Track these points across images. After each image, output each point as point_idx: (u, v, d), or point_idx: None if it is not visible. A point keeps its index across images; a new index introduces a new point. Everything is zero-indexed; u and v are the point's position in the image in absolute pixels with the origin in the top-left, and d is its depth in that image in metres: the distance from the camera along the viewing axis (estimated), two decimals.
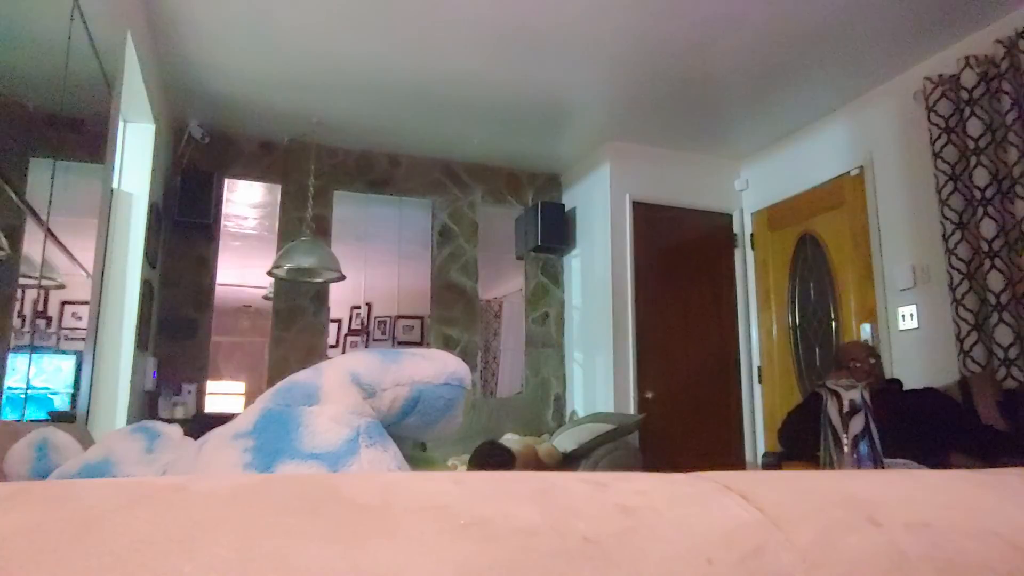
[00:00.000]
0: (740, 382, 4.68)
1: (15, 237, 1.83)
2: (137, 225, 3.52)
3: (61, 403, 2.43)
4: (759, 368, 4.63)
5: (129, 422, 3.29)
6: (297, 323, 4.52)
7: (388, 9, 3.13)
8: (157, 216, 3.83)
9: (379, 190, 4.84)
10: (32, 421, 2.05)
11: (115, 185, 3.38)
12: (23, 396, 2.03)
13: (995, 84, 3.06)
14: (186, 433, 1.00)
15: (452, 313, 4.87)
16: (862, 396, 1.52)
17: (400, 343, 4.93)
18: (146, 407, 3.94)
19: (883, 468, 1.63)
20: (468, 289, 4.94)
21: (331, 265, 4.02)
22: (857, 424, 1.50)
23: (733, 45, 3.42)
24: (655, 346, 4.51)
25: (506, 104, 4.09)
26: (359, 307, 4.97)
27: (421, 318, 4.93)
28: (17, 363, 1.97)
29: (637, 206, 4.62)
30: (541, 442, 3.80)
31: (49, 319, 2.29)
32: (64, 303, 2.38)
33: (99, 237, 2.65)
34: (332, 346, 4.72)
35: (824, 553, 0.38)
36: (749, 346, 4.70)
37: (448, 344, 4.79)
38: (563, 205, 5.05)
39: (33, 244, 1.95)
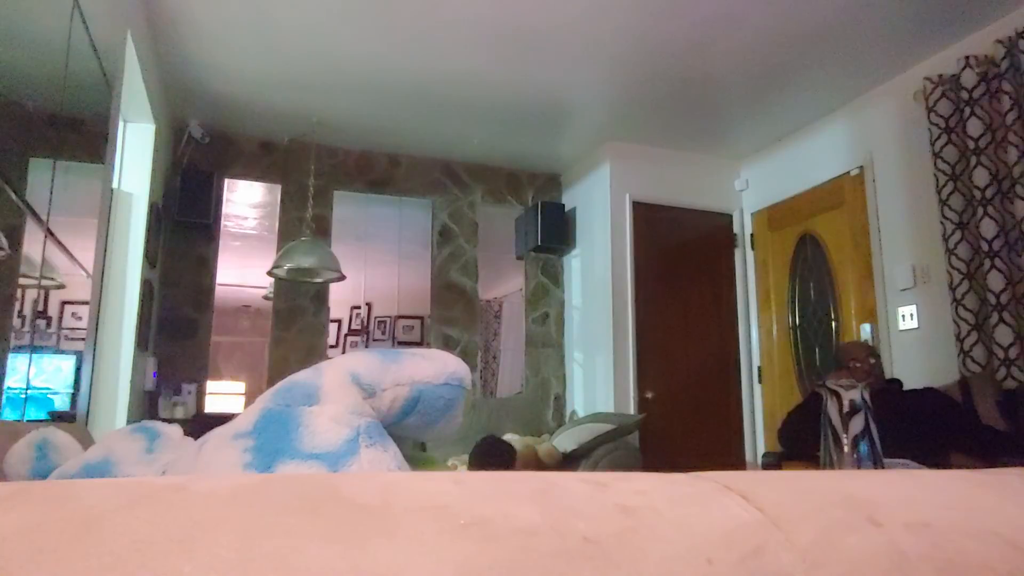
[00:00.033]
0: (740, 382, 4.68)
1: (15, 237, 1.83)
2: (137, 225, 3.52)
3: (61, 403, 2.43)
4: (759, 368, 4.63)
5: (129, 422, 3.29)
6: (297, 323, 4.52)
7: (388, 9, 3.13)
8: (157, 216, 3.83)
9: (379, 190, 4.84)
10: (32, 421, 2.05)
11: (115, 185, 3.38)
12: (23, 396, 2.03)
13: (995, 84, 3.06)
14: (186, 433, 1.00)
15: (452, 313, 4.87)
16: (862, 396, 1.52)
17: (400, 343, 4.93)
18: (146, 407, 3.94)
19: (883, 468, 1.63)
20: (468, 289, 4.94)
21: (331, 265, 4.02)
22: (857, 424, 1.50)
23: (733, 45, 3.42)
24: (655, 346, 4.51)
25: (506, 104, 4.09)
26: (359, 307, 4.97)
27: (421, 318, 4.93)
28: (17, 363, 1.97)
29: (637, 206, 4.62)
30: (541, 442, 3.80)
31: (49, 319, 2.29)
32: (64, 303, 2.38)
33: (99, 237, 2.65)
34: (332, 346, 4.72)
35: (824, 553, 0.38)
36: (749, 346, 4.70)
37: (448, 344, 4.79)
38: (563, 205, 5.05)
39: (33, 244, 1.95)
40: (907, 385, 2.99)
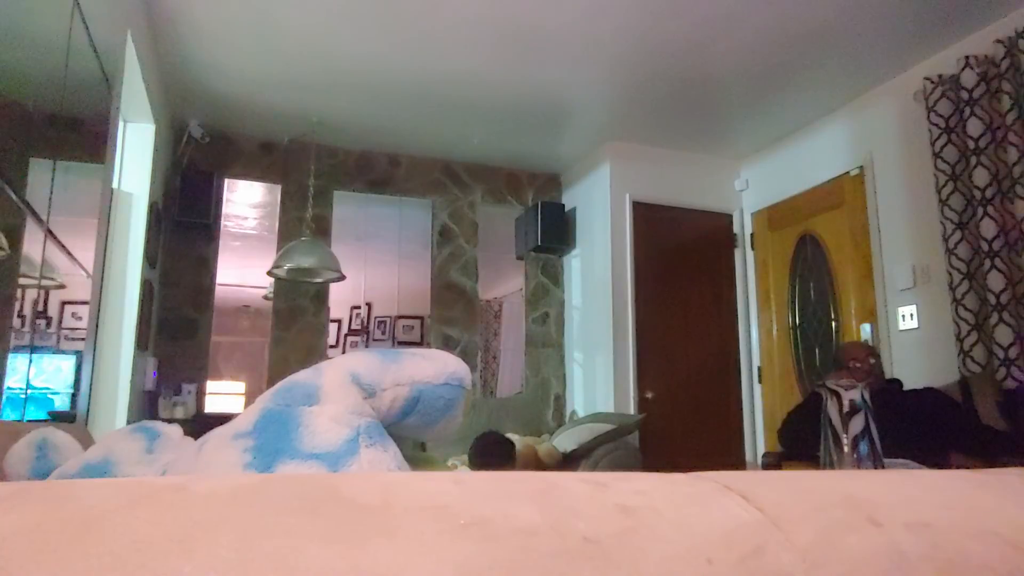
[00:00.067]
0: (740, 382, 4.68)
1: (15, 237, 1.83)
2: (137, 225, 3.52)
3: (61, 403, 2.43)
4: (759, 368, 4.63)
5: (129, 422, 3.29)
6: (297, 323, 4.52)
7: (388, 9, 3.13)
8: (157, 216, 3.83)
9: (379, 190, 4.84)
10: (32, 421, 2.05)
11: (115, 185, 3.38)
12: (23, 396, 2.03)
13: (995, 84, 3.06)
14: (186, 433, 1.00)
15: (452, 313, 4.87)
16: (862, 396, 1.52)
17: (400, 343, 4.94)
18: (146, 407, 3.94)
19: (883, 468, 1.63)
20: (468, 289, 4.94)
21: (331, 265, 4.02)
22: (857, 424, 1.50)
23: (733, 45, 3.42)
24: (655, 346, 4.51)
25: (506, 104, 4.09)
26: (359, 307, 4.97)
27: (421, 318, 4.93)
28: (17, 363, 1.97)
29: (637, 206, 4.62)
30: (541, 442, 3.80)
31: (49, 319, 2.29)
32: (64, 303, 2.38)
33: (99, 237, 2.65)
34: (332, 346, 4.72)
35: (824, 553, 0.38)
36: (749, 346, 4.70)
37: (448, 344, 4.79)
38: (563, 205, 5.05)
39: (33, 244, 1.95)
40: (907, 385, 2.99)
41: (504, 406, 4.76)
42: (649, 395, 4.42)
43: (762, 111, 4.16)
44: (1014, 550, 0.40)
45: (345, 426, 0.72)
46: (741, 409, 4.63)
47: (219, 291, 4.42)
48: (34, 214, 1.90)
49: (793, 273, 4.41)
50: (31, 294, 2.08)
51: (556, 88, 3.89)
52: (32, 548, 0.31)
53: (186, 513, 0.35)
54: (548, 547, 0.35)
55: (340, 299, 4.75)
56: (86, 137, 2.48)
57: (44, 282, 2.13)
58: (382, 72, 3.71)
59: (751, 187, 4.82)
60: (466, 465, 2.79)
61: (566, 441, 3.73)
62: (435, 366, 0.83)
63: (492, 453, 2.80)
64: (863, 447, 1.49)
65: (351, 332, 4.94)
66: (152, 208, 3.62)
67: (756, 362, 4.65)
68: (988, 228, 3.01)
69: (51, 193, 2.02)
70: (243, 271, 4.74)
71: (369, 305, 4.98)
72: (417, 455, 4.08)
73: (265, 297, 4.61)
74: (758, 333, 4.67)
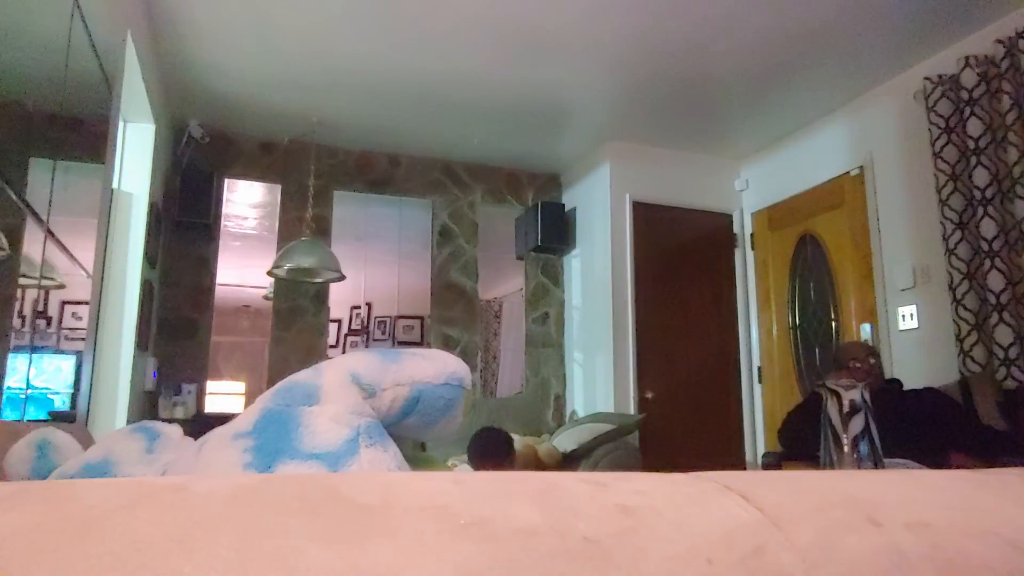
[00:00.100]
0: (740, 382, 4.68)
1: (15, 237, 1.83)
2: (137, 225, 3.52)
3: (61, 403, 2.43)
4: (759, 368, 4.63)
5: (129, 422, 3.29)
6: (297, 323, 4.52)
7: (388, 9, 3.13)
8: (157, 216, 3.83)
9: (379, 190, 4.84)
10: (32, 421, 2.05)
11: (115, 185, 3.38)
12: (23, 396, 2.03)
13: (995, 84, 3.06)
14: (186, 433, 1.00)
15: (452, 313, 4.87)
16: (862, 396, 1.52)
17: (400, 343, 4.94)
18: (146, 407, 3.94)
19: (883, 468, 1.63)
20: (468, 289, 4.94)
21: (331, 265, 4.02)
22: (857, 424, 1.50)
23: (733, 45, 3.42)
24: (655, 346, 4.51)
25: (506, 104, 4.09)
26: (359, 307, 4.97)
27: (421, 318, 4.93)
28: (17, 363, 1.97)
29: (637, 206, 4.62)
30: (541, 442, 3.80)
31: (49, 319, 2.29)
32: (64, 303, 2.38)
33: (99, 237, 2.65)
34: (332, 346, 4.72)
35: (824, 553, 0.38)
36: (749, 346, 4.70)
37: (448, 344, 4.79)
38: (563, 205, 5.05)
39: (33, 244, 1.95)
40: (907, 385, 2.99)
41: (504, 406, 4.76)
42: (649, 395, 4.42)
43: (762, 111, 4.16)
44: (1014, 550, 0.40)
45: (345, 426, 0.72)
46: (741, 409, 4.63)
47: (219, 291, 4.42)
48: (34, 214, 1.90)
49: (793, 273, 4.41)
50: (31, 294, 2.08)
51: (556, 88, 3.89)
52: (32, 548, 0.31)
53: (186, 513, 0.35)
54: (548, 547, 0.35)
55: (340, 299, 4.75)
56: (86, 137, 2.48)
57: (44, 282, 2.13)
58: (382, 72, 3.71)
59: (751, 187, 4.82)
60: (466, 464, 2.78)
61: (566, 441, 3.73)
62: (435, 366, 0.83)
63: (490, 448, 2.80)
64: (863, 447, 1.49)
65: (351, 332, 4.94)
66: (152, 208, 3.62)
67: (756, 362, 4.66)
68: (988, 228, 3.01)
69: (51, 193, 2.02)
70: (243, 271, 4.74)
71: (369, 305, 4.98)
72: (417, 455, 4.08)
73: (265, 297, 4.61)
74: (758, 333, 4.67)
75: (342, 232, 4.71)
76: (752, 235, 4.78)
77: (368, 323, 4.97)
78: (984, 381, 2.94)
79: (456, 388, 0.84)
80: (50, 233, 2.04)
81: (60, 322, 2.38)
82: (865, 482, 0.47)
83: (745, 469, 3.52)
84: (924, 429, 2.59)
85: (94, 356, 2.98)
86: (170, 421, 1.02)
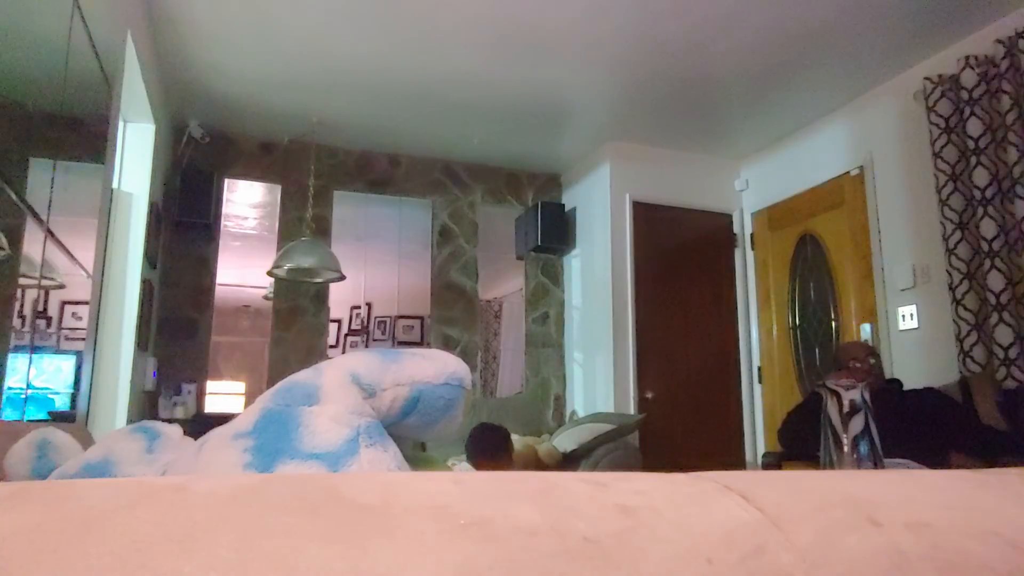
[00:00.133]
0: (740, 382, 4.68)
1: (15, 237, 1.83)
2: (137, 225, 3.52)
3: (61, 403, 2.43)
4: (759, 368, 4.63)
5: (129, 422, 3.29)
6: (297, 323, 4.52)
7: (388, 9, 3.13)
8: (157, 216, 3.83)
9: (379, 190, 4.85)
10: (32, 421, 2.05)
11: (115, 185, 3.38)
12: (23, 396, 2.03)
13: (995, 84, 3.06)
14: (186, 433, 1.00)
15: (452, 313, 4.87)
16: (862, 396, 1.52)
17: (400, 343, 4.94)
18: (146, 407, 3.94)
19: (883, 468, 1.63)
20: (468, 289, 4.94)
21: (331, 265, 4.02)
22: (857, 424, 1.50)
23: (733, 45, 3.42)
24: (655, 346, 4.51)
25: (506, 104, 4.09)
26: (359, 307, 4.97)
27: (421, 318, 4.93)
28: (17, 363, 1.97)
29: (637, 206, 4.62)
30: (541, 442, 3.80)
31: (49, 319, 2.29)
32: (64, 303, 2.38)
33: (99, 237, 2.65)
34: (332, 346, 4.72)
35: (824, 553, 0.38)
36: (749, 346, 4.70)
37: (448, 344, 4.79)
38: (563, 205, 5.05)
39: (33, 244, 1.95)
40: (907, 385, 2.99)
41: (504, 406, 4.76)
42: (649, 395, 4.42)
43: (762, 111, 4.16)
44: (1014, 550, 0.40)
45: (345, 426, 0.72)
46: (741, 409, 4.63)
47: (219, 291, 4.42)
48: (34, 214, 1.90)
49: (793, 273, 4.41)
50: (31, 294, 2.08)
51: (556, 88, 3.89)
52: (32, 548, 0.31)
53: (186, 513, 0.35)
54: (548, 547, 0.35)
55: (340, 299, 4.75)
56: (86, 137, 2.48)
57: (44, 282, 2.13)
58: (382, 72, 3.71)
59: (751, 187, 4.82)
60: (465, 462, 2.78)
61: (566, 441, 3.73)
62: (435, 366, 0.83)
63: (488, 444, 2.80)
64: (863, 447, 1.49)
65: (351, 332, 4.94)
66: (152, 208, 3.62)
67: (756, 362, 4.66)
68: (988, 228, 3.01)
69: (51, 193, 2.02)
70: (243, 271, 4.74)
71: (369, 305, 4.98)
72: (417, 455, 4.08)
73: (265, 297, 4.61)
74: (758, 333, 4.67)
75: (342, 232, 4.71)
76: (752, 235, 4.78)
77: (368, 323, 4.96)
78: (984, 381, 2.94)
79: (456, 388, 0.84)
80: (50, 233, 2.04)
81: (60, 322, 2.38)
82: (865, 482, 0.47)
83: (745, 469, 3.53)
84: (924, 429, 2.59)
85: (94, 356, 2.98)
86: (170, 421, 1.02)
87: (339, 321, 4.85)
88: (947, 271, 3.18)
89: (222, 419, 0.79)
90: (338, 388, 0.75)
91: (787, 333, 4.42)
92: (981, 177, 3.05)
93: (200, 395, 4.25)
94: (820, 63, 3.58)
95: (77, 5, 2.11)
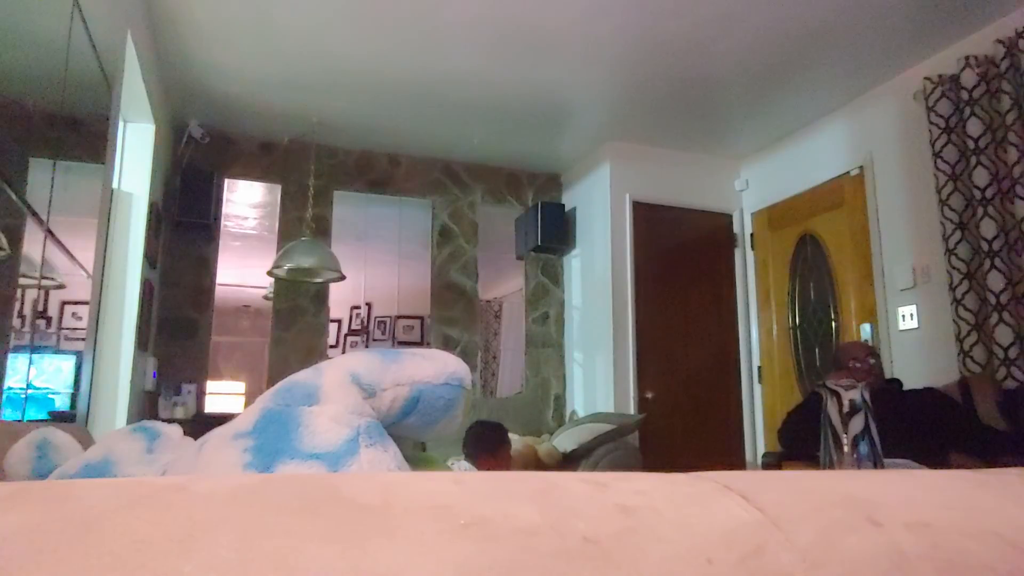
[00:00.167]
0: (740, 382, 4.68)
1: (15, 237, 1.83)
2: (137, 225, 3.52)
3: (61, 403, 2.43)
4: (759, 368, 4.63)
5: (129, 422, 3.29)
6: (297, 323, 4.52)
7: (388, 9, 3.13)
8: (157, 216, 3.83)
9: (379, 190, 4.85)
10: (32, 421, 2.05)
11: (115, 185, 3.38)
12: (23, 396, 2.03)
13: (995, 84, 3.06)
14: (186, 433, 1.00)
15: (452, 313, 4.87)
16: (862, 396, 1.52)
17: (400, 343, 4.94)
18: (146, 407, 3.94)
19: (883, 468, 1.63)
20: (468, 289, 4.94)
21: (331, 265, 4.02)
22: (857, 424, 1.50)
23: (733, 45, 3.42)
24: (655, 346, 4.51)
25: (506, 104, 4.09)
26: (359, 307, 4.97)
27: (421, 318, 4.93)
28: (17, 363, 1.97)
29: (637, 206, 4.62)
30: (541, 442, 3.80)
31: (49, 319, 2.29)
32: (64, 303, 2.38)
33: (99, 237, 2.65)
34: (332, 346, 4.72)
35: (824, 553, 0.38)
36: (749, 346, 4.70)
37: (448, 344, 4.79)
38: (563, 205, 5.05)
39: (33, 244, 1.95)
40: (907, 385, 2.99)
41: (504, 406, 4.76)
42: (649, 395, 4.42)
43: (762, 111, 4.16)
44: (1014, 550, 0.40)
45: (345, 426, 0.72)
46: (741, 409, 4.63)
47: (219, 291, 4.42)
48: (34, 214, 1.90)
49: (793, 273, 4.41)
50: (31, 294, 2.08)
51: (556, 88, 3.89)
52: (32, 548, 0.31)
53: (186, 513, 0.35)
54: (548, 547, 0.35)
55: (340, 299, 4.75)
56: (86, 137, 2.48)
57: (44, 282, 2.13)
58: (382, 72, 3.71)
59: (751, 187, 4.82)
60: (463, 461, 2.78)
61: (566, 441, 3.73)
62: (435, 366, 0.83)
63: (485, 439, 2.81)
64: (863, 447, 1.49)
65: (351, 332, 4.94)
66: (152, 208, 3.62)
67: (756, 362, 4.66)
68: (988, 228, 3.01)
69: (51, 193, 2.02)
70: (243, 271, 4.74)
71: (369, 305, 4.98)
72: (417, 455, 4.08)
73: (265, 297, 4.61)
74: (758, 333, 4.67)
75: (342, 232, 4.71)
76: (752, 235, 4.78)
77: (368, 323, 4.97)
78: (984, 381, 2.94)
79: (456, 388, 0.83)
80: (50, 233, 2.04)
81: (60, 322, 2.38)
82: (865, 482, 0.47)
83: (745, 469, 3.53)
84: (924, 429, 2.59)
85: (94, 356, 2.98)
86: (170, 421, 1.02)
87: (339, 321, 4.86)
88: (947, 271, 3.18)
89: (222, 419, 0.79)
90: (338, 388, 0.75)
91: (787, 333, 4.42)
92: (981, 177, 3.05)
93: (200, 395, 4.25)
94: (820, 63, 3.58)
95: (77, 5, 2.11)
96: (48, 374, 2.32)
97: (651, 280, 4.58)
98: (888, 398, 2.67)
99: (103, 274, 2.98)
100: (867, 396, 1.53)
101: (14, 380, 1.94)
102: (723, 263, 4.81)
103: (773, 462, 3.07)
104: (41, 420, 2.18)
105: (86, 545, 0.31)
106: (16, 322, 1.94)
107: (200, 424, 2.57)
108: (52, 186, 2.04)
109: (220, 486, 0.38)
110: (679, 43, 3.41)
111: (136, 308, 3.41)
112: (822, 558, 0.38)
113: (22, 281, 1.95)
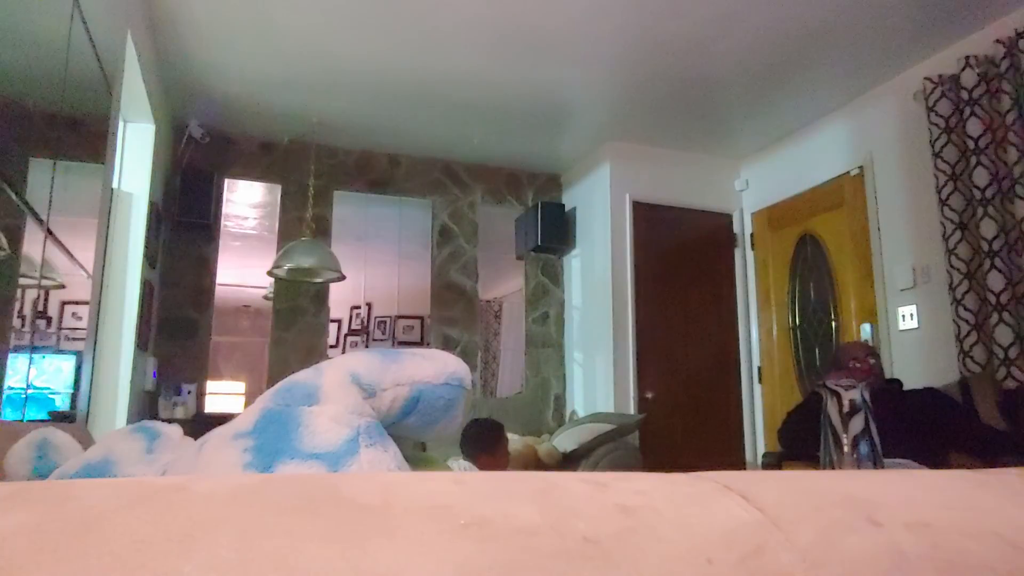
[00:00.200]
0: (740, 382, 4.68)
1: (15, 237, 1.83)
2: (137, 225, 3.52)
3: (61, 403, 2.43)
4: (759, 368, 4.63)
5: (129, 422, 3.29)
6: (297, 323, 4.52)
7: (388, 9, 3.13)
8: (157, 216, 3.83)
9: (379, 190, 4.85)
10: (32, 421, 2.05)
11: (115, 185, 3.38)
12: (23, 396, 2.03)
13: (995, 84, 3.06)
14: (186, 433, 1.00)
15: (452, 313, 4.87)
16: (862, 396, 1.52)
17: (400, 343, 4.94)
18: (146, 407, 3.94)
19: (883, 468, 1.63)
20: (468, 289, 4.94)
21: (331, 265, 4.02)
22: (857, 424, 1.50)
23: (733, 45, 3.42)
24: (655, 346, 4.51)
25: (506, 104, 4.09)
26: (359, 307, 4.97)
27: (421, 318, 4.93)
28: (17, 363, 1.97)
29: (637, 206, 4.62)
30: (541, 442, 3.80)
31: (49, 319, 2.29)
32: (64, 303, 2.38)
33: (99, 237, 2.65)
34: (332, 346, 4.72)
35: (824, 553, 0.38)
36: (749, 346, 4.70)
37: (448, 344, 4.79)
38: (563, 205, 5.05)
39: (33, 244, 1.95)
40: (907, 385, 2.99)
41: (504, 406, 4.76)
42: (649, 395, 4.42)
43: (762, 111, 4.16)
44: (1014, 550, 0.40)
45: (345, 426, 0.72)
46: (741, 409, 4.63)
47: (219, 291, 4.42)
48: (34, 214, 1.90)
49: (793, 273, 4.41)
50: (31, 294, 2.08)
51: (556, 88, 3.89)
52: (32, 548, 0.31)
53: (186, 513, 0.35)
54: (548, 547, 0.35)
55: (340, 299, 4.75)
56: (86, 137, 2.48)
57: (44, 282, 2.13)
58: (382, 72, 3.71)
59: (751, 187, 4.82)
60: (461, 460, 2.78)
61: (566, 441, 3.73)
62: (435, 366, 0.83)
63: (482, 437, 2.81)
64: (863, 447, 1.49)
65: (351, 332, 4.94)
66: (152, 208, 3.62)
67: (756, 362, 4.66)
68: (988, 228, 3.01)
69: (51, 193, 2.02)
70: (243, 271, 4.74)
71: (369, 305, 4.98)
72: (417, 455, 4.07)
73: (265, 297, 4.61)
74: (758, 333, 4.67)
75: (342, 232, 4.71)
76: (752, 235, 4.78)
77: (368, 323, 4.97)
78: (984, 381, 2.94)
79: (456, 388, 0.83)
80: (50, 233, 2.04)
81: (60, 322, 2.38)
82: (865, 482, 0.47)
83: (745, 469, 3.53)
84: (924, 429, 2.59)
85: (94, 356, 2.98)
86: (170, 421, 1.02)
87: (339, 321, 4.85)
88: (947, 271, 3.18)
89: (222, 419, 0.79)
90: (338, 388, 0.75)
91: (787, 333, 4.42)
92: (981, 177, 3.05)
93: (200, 395, 4.25)
94: (820, 63, 3.58)
95: (77, 5, 2.11)
96: (48, 374, 2.32)
97: (651, 280, 4.58)
98: (888, 398, 2.67)
99: (103, 274, 2.98)
100: (867, 396, 1.53)
101: (14, 380, 1.94)
102: (723, 263, 4.81)
103: (773, 462, 3.07)
104: (41, 420, 2.18)
105: (86, 545, 0.31)
106: (16, 322, 1.94)
107: (200, 424, 2.57)
108: (52, 186, 2.04)
109: (220, 486, 0.38)
110: (679, 43, 3.41)
111: (136, 308, 3.41)
112: (822, 558, 0.38)
113: (22, 281, 1.95)
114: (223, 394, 4.59)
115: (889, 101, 3.74)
